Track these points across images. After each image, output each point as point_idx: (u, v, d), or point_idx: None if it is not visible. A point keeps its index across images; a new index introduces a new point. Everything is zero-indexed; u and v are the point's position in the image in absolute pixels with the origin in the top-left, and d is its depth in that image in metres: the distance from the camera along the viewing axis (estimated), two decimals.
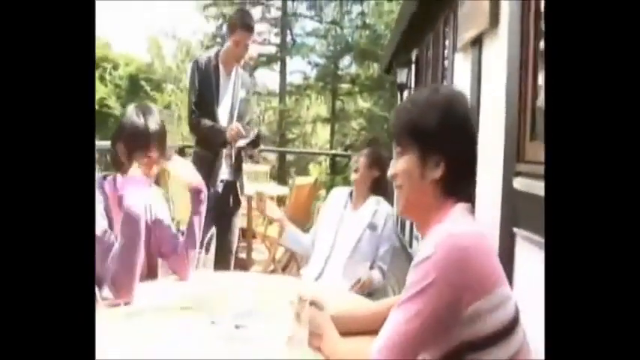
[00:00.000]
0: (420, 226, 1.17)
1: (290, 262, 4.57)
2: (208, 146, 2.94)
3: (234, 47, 2.88)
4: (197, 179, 1.80)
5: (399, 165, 1.15)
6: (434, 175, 1.10)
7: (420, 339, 1.00)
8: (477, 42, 3.25)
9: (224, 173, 3.01)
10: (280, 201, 5.15)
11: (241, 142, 2.87)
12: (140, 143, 1.63)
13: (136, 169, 1.60)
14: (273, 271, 4.31)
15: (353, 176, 2.53)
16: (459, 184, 1.12)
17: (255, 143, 2.93)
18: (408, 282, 1.02)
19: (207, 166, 2.87)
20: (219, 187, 2.98)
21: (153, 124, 1.64)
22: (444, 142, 1.09)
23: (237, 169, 3.08)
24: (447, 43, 4.61)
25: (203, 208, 1.80)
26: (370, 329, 1.20)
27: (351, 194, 2.55)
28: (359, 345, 1.08)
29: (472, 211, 1.12)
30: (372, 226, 2.42)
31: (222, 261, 2.93)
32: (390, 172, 1.18)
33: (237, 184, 3.10)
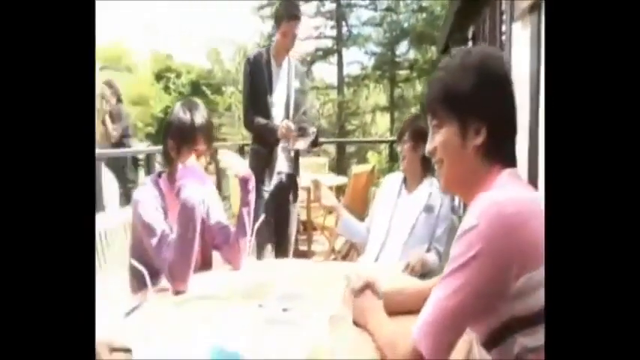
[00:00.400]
0: (465, 196, 1.09)
1: (350, 252, 4.56)
2: (264, 143, 2.97)
3: (282, 38, 2.91)
4: (244, 169, 1.81)
5: (437, 138, 1.08)
6: (475, 142, 1.02)
7: (462, 315, 0.94)
8: (535, 8, 3.07)
9: (282, 166, 3.04)
10: (339, 191, 5.13)
11: (300, 144, 2.88)
12: (188, 137, 1.68)
13: (193, 160, 1.65)
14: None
15: (402, 164, 2.47)
16: (503, 148, 1.04)
17: (314, 143, 2.94)
18: (451, 255, 0.96)
19: (263, 161, 2.94)
20: (277, 180, 3.02)
21: (199, 118, 1.69)
22: (482, 105, 1.02)
23: (294, 162, 3.11)
24: (504, 14, 4.39)
25: (252, 198, 1.81)
26: (420, 308, 1.16)
27: (404, 179, 2.49)
28: (405, 325, 1.03)
29: (519, 175, 1.04)
30: (428, 209, 2.37)
31: (281, 252, 2.97)
32: (427, 148, 1.11)
33: (296, 177, 3.13)
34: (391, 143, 7.37)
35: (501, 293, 0.91)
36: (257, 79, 2.92)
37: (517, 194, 0.97)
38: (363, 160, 12.54)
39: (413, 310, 1.16)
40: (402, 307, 1.27)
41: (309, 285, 1.51)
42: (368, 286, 1.30)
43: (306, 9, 17.35)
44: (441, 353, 0.94)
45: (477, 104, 1.02)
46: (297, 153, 3.12)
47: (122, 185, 5.29)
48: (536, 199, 0.97)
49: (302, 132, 2.87)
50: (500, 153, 1.03)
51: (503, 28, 4.39)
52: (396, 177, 2.58)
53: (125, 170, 5.46)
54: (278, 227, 3.05)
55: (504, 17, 4.36)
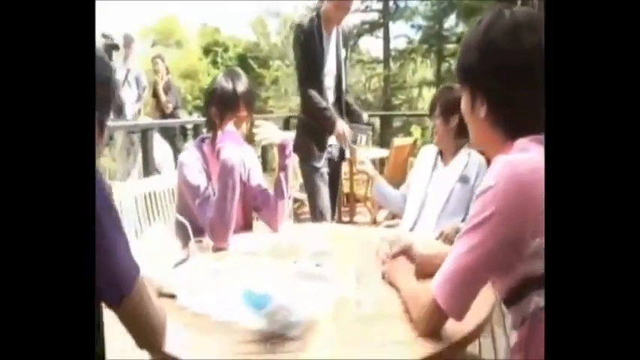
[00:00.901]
0: (491, 158, 1.12)
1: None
2: (313, 116, 2.83)
3: (334, 9, 2.74)
4: (282, 136, 1.88)
5: (461, 105, 1.12)
6: (480, 114, 1.05)
7: (478, 272, 0.97)
8: None
9: (332, 139, 2.93)
10: (382, 163, 5.15)
11: (359, 155, 2.66)
12: (230, 104, 1.77)
13: (231, 126, 1.75)
14: None
15: (435, 140, 2.44)
16: (512, 123, 1.03)
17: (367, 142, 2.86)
18: (470, 214, 0.99)
19: (313, 135, 2.84)
20: (328, 154, 2.93)
21: (240, 87, 1.78)
22: (484, 78, 1.03)
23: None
24: None
25: (289, 162, 1.88)
26: None
27: (440, 153, 2.50)
28: (426, 285, 1.08)
29: (542, 141, 1.01)
30: (464, 179, 2.35)
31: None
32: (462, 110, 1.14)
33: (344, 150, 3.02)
34: None
35: (517, 252, 0.94)
36: (309, 47, 2.76)
37: (535, 157, 0.96)
38: (407, 134, 12.43)
39: None
40: (435, 271, 1.31)
41: (343, 246, 1.57)
42: (404, 251, 1.37)
43: None
44: (457, 305, 0.99)
45: (479, 77, 1.04)
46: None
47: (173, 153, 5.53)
48: None
49: (356, 135, 2.75)
50: (510, 124, 1.03)
51: None
52: (432, 149, 2.57)
53: (175, 140, 5.68)
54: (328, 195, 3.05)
55: None
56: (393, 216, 4.49)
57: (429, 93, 17.62)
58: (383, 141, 6.84)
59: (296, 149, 2.80)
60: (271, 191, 1.90)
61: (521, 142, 1.02)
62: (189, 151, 1.83)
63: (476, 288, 0.99)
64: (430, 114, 2.43)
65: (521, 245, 0.93)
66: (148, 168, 4.74)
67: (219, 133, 1.75)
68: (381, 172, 4.99)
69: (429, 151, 2.58)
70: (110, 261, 0.81)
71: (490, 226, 0.95)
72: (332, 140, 2.94)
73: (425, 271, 1.28)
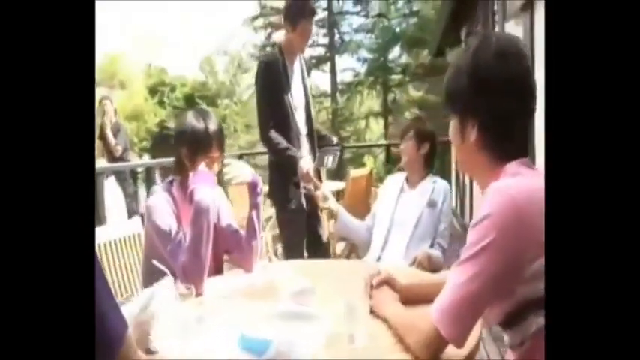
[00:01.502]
0: (480, 185, 1.12)
1: (351, 255, 4.56)
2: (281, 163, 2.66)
3: (299, 37, 2.62)
4: (252, 175, 1.83)
5: (450, 128, 1.12)
6: (470, 138, 1.05)
7: (480, 300, 0.97)
8: (528, 7, 3.12)
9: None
10: (338, 196, 5.16)
11: (322, 193, 2.54)
12: (203, 145, 1.71)
13: (203, 167, 1.69)
14: None
15: (402, 161, 2.50)
16: (502, 146, 1.04)
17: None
18: (467, 242, 0.98)
19: (285, 176, 2.64)
20: (304, 194, 2.72)
21: (212, 126, 1.72)
22: (474, 104, 1.04)
23: (318, 173, 2.81)
24: (496, 14, 4.46)
25: (260, 201, 1.83)
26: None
27: (407, 179, 2.52)
28: (422, 311, 1.06)
29: (530, 164, 1.05)
30: (432, 204, 2.39)
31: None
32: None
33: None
34: (387, 147, 7.41)
35: (516, 278, 0.94)
36: (275, 84, 2.61)
37: (527, 182, 0.98)
38: (360, 165, 12.58)
39: (429, 301, 1.20)
40: (418, 299, 1.31)
41: (321, 282, 1.53)
42: (386, 282, 1.36)
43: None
44: (460, 333, 0.98)
45: (469, 102, 1.04)
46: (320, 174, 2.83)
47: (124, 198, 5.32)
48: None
49: (323, 159, 2.60)
50: (498, 149, 1.04)
51: (496, 27, 4.45)
52: (397, 177, 2.60)
53: (125, 184, 5.49)
54: (312, 240, 2.83)
55: (497, 17, 4.42)
56: (351, 249, 4.52)
57: (376, 124, 18.05)
58: (337, 174, 6.89)
59: (270, 195, 2.73)
60: (242, 232, 1.83)
61: (511, 166, 1.03)
62: (158, 194, 1.74)
63: (477, 315, 0.99)
64: (401, 137, 2.48)
65: (521, 270, 0.93)
66: (99, 215, 4.54)
67: (191, 174, 1.68)
68: (338, 201, 5.01)
69: (395, 179, 2.59)
70: (100, 318, 0.77)
71: (489, 254, 0.94)
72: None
73: (409, 299, 1.31)
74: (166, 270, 1.41)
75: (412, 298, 1.33)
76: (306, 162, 2.57)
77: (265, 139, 2.62)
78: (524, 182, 0.99)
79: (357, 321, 1.17)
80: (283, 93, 2.62)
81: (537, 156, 2.59)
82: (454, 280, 0.99)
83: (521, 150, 1.06)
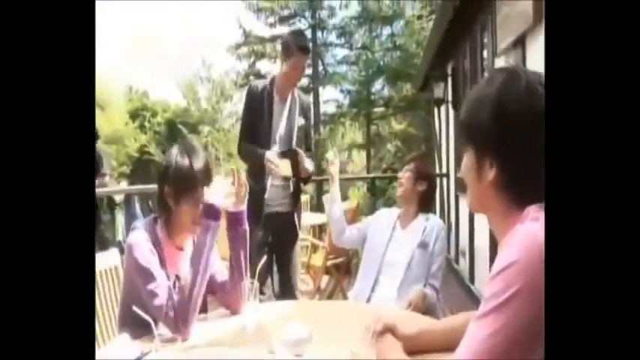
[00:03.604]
0: (494, 227, 1.03)
1: (335, 291, 4.47)
2: (256, 177, 2.71)
3: (291, 71, 2.69)
4: (236, 200, 1.70)
5: (463, 164, 1.04)
6: (488, 177, 0.97)
7: (506, 354, 0.86)
8: (520, 43, 3.12)
9: (280, 205, 2.79)
10: (321, 229, 5.07)
11: (285, 170, 2.63)
12: (186, 184, 1.57)
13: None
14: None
15: (398, 191, 2.48)
16: (522, 186, 0.96)
17: (306, 180, 2.80)
18: (489, 292, 0.89)
19: (255, 199, 2.55)
20: (275, 219, 2.76)
21: (198, 163, 1.59)
22: (495, 140, 0.96)
23: (293, 200, 2.85)
24: (485, 49, 4.48)
25: (246, 234, 1.70)
26: (444, 347, 1.22)
27: (399, 216, 2.47)
28: None
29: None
30: (423, 244, 2.36)
31: (284, 293, 2.80)
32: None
33: (295, 216, 2.86)
34: (372, 179, 7.37)
35: (539, 336, 0.83)
36: (257, 114, 2.71)
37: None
38: (343, 197, 12.55)
39: (437, 350, 1.20)
40: (422, 348, 1.28)
41: (315, 326, 1.42)
42: (388, 329, 1.28)
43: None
44: None
45: (490, 139, 0.97)
46: (298, 190, 2.88)
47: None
48: None
49: (285, 156, 2.65)
50: (520, 189, 0.96)
51: (485, 62, 4.47)
52: (389, 212, 2.55)
53: (98, 212, 5.27)
54: (279, 269, 2.89)
55: (485, 52, 4.44)
56: (335, 285, 4.43)
57: (358, 156, 18.12)
58: (320, 206, 6.79)
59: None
60: (226, 272, 1.70)
61: (533, 209, 0.94)
62: (139, 231, 1.59)
63: None
64: (402, 166, 2.51)
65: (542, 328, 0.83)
66: None
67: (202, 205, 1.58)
68: (320, 239, 4.92)
69: (387, 215, 2.53)
70: None
71: (516, 305, 0.85)
72: (275, 206, 2.78)
73: (412, 349, 1.25)
74: (147, 318, 1.28)
75: (416, 347, 1.27)
76: (270, 153, 2.65)
77: (239, 150, 2.79)
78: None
79: None
80: (261, 120, 2.71)
81: None
82: (476, 335, 0.89)
83: (539, 192, 0.98)
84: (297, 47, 2.66)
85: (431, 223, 2.39)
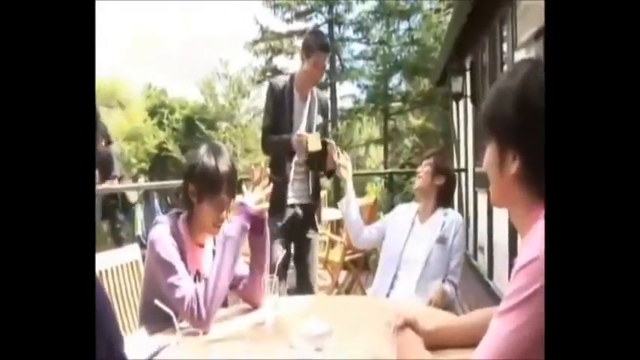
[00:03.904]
0: (516, 222, 1.01)
1: (353, 286, 4.47)
2: (278, 169, 2.74)
3: (312, 69, 2.72)
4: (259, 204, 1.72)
5: (485, 157, 1.02)
6: (511, 170, 0.95)
7: (529, 350, 0.85)
8: (541, 35, 3.06)
9: (300, 197, 2.83)
10: (338, 224, 5.06)
11: (313, 145, 2.63)
12: (210, 184, 1.59)
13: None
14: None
15: (416, 183, 2.46)
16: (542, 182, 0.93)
17: (331, 173, 2.76)
18: (512, 288, 0.88)
19: (276, 192, 2.67)
20: (291, 213, 2.79)
21: (223, 166, 1.60)
22: (518, 133, 0.94)
23: (314, 192, 2.88)
24: (504, 42, 4.41)
25: (267, 233, 1.71)
26: (464, 343, 1.22)
27: (418, 211, 2.46)
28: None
29: None
30: (442, 240, 2.33)
31: (302, 288, 2.81)
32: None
33: (314, 208, 2.89)
34: (390, 174, 7.34)
35: None
36: (278, 111, 2.77)
37: None
38: (360, 193, 12.53)
39: (460, 345, 1.20)
40: (442, 343, 1.28)
41: (334, 321, 1.42)
42: (408, 324, 1.28)
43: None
44: None
45: (513, 131, 0.95)
46: (318, 183, 2.91)
47: (111, 226, 5.15)
48: None
49: (315, 142, 2.66)
50: (541, 183, 0.92)
51: (505, 55, 4.41)
52: (408, 207, 2.53)
53: (115, 211, 5.33)
54: (297, 263, 2.90)
55: (505, 45, 4.38)
56: (353, 280, 4.42)
57: (375, 151, 18.06)
58: (336, 201, 6.78)
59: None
60: (247, 267, 1.71)
61: None
62: (163, 226, 1.61)
63: None
64: (421, 160, 2.48)
65: None
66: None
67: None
68: (338, 234, 4.92)
69: (406, 210, 2.51)
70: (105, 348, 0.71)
71: (539, 301, 0.82)
72: (296, 198, 2.80)
73: (432, 344, 1.25)
74: (169, 310, 1.30)
75: (436, 342, 1.27)
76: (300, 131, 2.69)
77: (264, 143, 2.83)
78: None
79: None
80: (282, 117, 2.77)
81: None
82: (499, 330, 0.87)
83: None
84: (318, 46, 2.70)
85: (450, 218, 2.37)
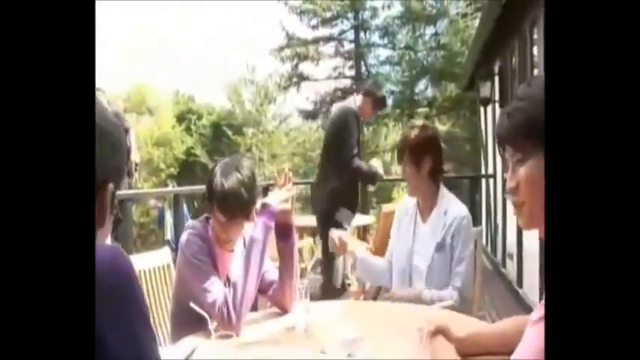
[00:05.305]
0: None
1: (380, 291, 4.42)
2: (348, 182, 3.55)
3: (369, 111, 3.65)
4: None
5: (522, 173, 0.94)
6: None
7: None
8: None
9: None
10: (365, 230, 5.03)
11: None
12: (218, 204, 1.59)
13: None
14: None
15: (408, 192, 2.25)
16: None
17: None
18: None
19: (348, 200, 3.56)
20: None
21: (235, 182, 1.58)
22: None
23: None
24: (535, 45, 4.34)
25: (296, 239, 1.72)
26: (494, 350, 1.21)
27: (418, 205, 2.25)
28: None
29: None
30: (440, 247, 2.13)
31: (333, 296, 2.82)
32: (509, 185, 0.97)
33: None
34: None
35: None
36: (355, 129, 3.51)
37: None
38: (385, 199, 12.45)
39: (484, 353, 1.21)
40: (474, 350, 1.27)
41: (364, 327, 1.42)
42: (440, 331, 1.28)
43: (324, 50, 17.75)
44: None
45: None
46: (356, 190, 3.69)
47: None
48: None
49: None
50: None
51: (535, 59, 4.34)
52: (408, 205, 2.31)
53: (131, 218, 5.38)
54: (326, 268, 2.96)
55: (535, 48, 4.31)
56: (379, 287, 4.37)
57: None
58: (364, 207, 6.77)
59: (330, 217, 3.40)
60: (276, 272, 1.72)
61: None
62: (194, 230, 1.64)
63: None
64: (399, 161, 2.22)
65: None
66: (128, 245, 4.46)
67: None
68: (364, 239, 4.88)
69: (405, 207, 2.32)
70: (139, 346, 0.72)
71: None
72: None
73: (463, 351, 1.26)
74: (203, 313, 1.31)
75: (467, 349, 1.27)
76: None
77: (351, 162, 3.46)
78: None
79: None
80: (357, 139, 3.53)
81: None
82: (533, 338, 0.86)
83: None
84: (378, 101, 3.64)
85: (450, 217, 2.14)
